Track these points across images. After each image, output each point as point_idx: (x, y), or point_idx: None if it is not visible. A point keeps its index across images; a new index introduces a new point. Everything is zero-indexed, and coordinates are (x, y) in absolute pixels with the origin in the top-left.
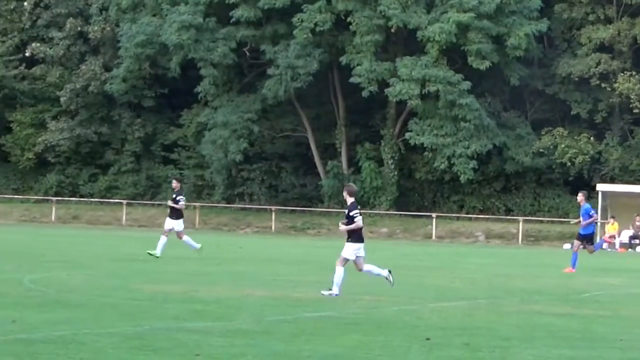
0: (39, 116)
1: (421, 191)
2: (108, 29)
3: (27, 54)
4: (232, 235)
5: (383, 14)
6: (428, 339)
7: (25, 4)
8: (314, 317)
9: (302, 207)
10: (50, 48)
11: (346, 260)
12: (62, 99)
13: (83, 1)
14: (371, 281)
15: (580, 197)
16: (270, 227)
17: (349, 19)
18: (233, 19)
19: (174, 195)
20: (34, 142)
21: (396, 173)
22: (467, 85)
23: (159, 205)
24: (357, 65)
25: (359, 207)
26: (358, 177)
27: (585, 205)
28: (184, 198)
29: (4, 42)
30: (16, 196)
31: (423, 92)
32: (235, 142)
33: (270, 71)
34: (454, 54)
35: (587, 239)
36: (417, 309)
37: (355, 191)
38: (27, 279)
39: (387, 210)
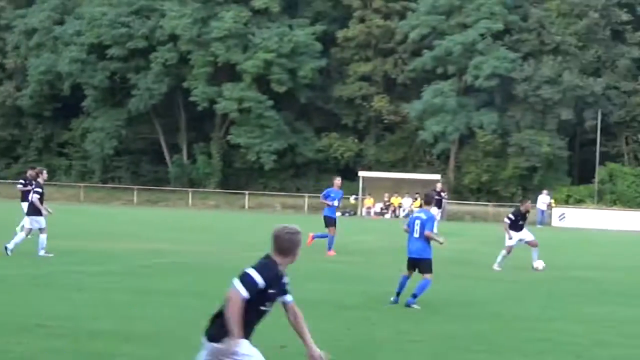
0: None
1: (238, 176)
2: (19, 61)
3: None
4: (107, 207)
5: (213, 53)
6: None
7: None
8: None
9: (155, 186)
10: None
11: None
12: None
13: (1, 42)
14: None
15: (338, 181)
16: (133, 201)
17: (189, 56)
18: (108, 56)
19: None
20: None
21: (221, 163)
22: (270, 103)
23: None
24: (194, 88)
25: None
26: (195, 166)
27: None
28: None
29: None
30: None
31: (240, 108)
32: (109, 141)
33: (133, 92)
34: (261, 81)
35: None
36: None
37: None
38: None
39: (214, 189)
